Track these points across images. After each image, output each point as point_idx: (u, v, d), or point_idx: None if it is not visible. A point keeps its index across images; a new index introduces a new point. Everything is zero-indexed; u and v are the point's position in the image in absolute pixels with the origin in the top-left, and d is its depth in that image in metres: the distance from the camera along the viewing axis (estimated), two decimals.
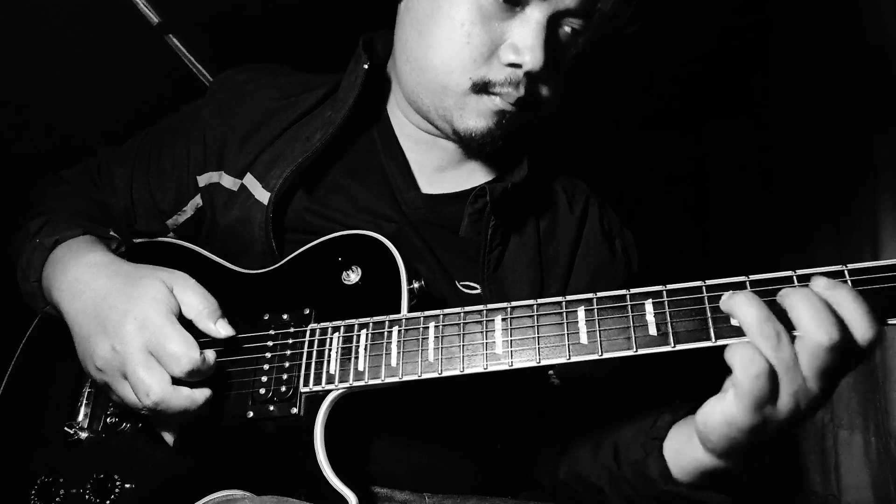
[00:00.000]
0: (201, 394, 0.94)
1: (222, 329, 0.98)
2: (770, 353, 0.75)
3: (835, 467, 1.92)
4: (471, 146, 1.10)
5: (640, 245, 1.25)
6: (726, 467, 0.84)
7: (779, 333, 0.75)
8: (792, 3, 2.03)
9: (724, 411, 0.78)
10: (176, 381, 0.92)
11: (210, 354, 0.95)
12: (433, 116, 1.11)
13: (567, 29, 1.05)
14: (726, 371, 0.78)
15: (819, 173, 2.02)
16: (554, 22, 1.03)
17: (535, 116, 1.10)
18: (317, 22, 1.67)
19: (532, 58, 1.00)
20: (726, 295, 0.79)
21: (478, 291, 1.12)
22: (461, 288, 1.12)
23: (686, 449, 0.89)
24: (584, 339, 0.87)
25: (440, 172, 1.19)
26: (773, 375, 0.75)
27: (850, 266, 0.81)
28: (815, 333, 0.74)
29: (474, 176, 1.20)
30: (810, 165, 2.05)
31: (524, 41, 1.00)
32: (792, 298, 0.76)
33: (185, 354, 0.92)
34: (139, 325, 0.92)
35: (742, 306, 0.76)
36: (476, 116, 1.06)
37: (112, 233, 1.13)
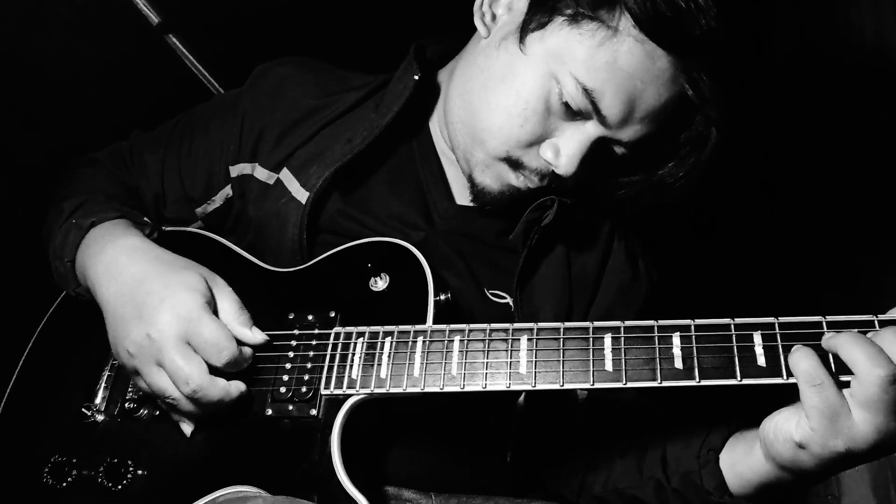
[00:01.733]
0: (236, 387, 0.95)
1: (258, 335, 0.99)
2: (878, 393, 0.74)
3: None
4: (478, 196, 1.13)
5: (664, 266, 1.26)
6: (786, 479, 0.85)
7: (894, 374, 0.74)
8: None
9: (796, 431, 0.79)
10: (212, 371, 0.93)
11: (248, 350, 0.97)
12: (458, 153, 1.15)
13: (613, 153, 1.08)
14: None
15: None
16: (603, 144, 1.06)
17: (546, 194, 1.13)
18: (317, 21, 1.67)
19: (567, 166, 1.05)
20: (829, 334, 0.79)
21: (506, 301, 1.13)
22: (489, 296, 1.13)
23: (745, 461, 0.90)
24: (609, 366, 0.88)
25: (477, 203, 1.20)
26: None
27: None
28: None
29: None
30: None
31: (566, 148, 1.04)
32: (887, 340, 0.76)
33: (226, 345, 0.93)
34: (176, 314, 0.93)
35: (850, 347, 0.76)
36: (494, 179, 1.11)
37: (146, 219, 1.13)
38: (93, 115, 1.48)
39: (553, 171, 1.06)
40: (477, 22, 1.12)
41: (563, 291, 1.15)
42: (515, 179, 1.09)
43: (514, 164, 1.08)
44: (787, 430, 0.81)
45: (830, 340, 0.79)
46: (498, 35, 1.09)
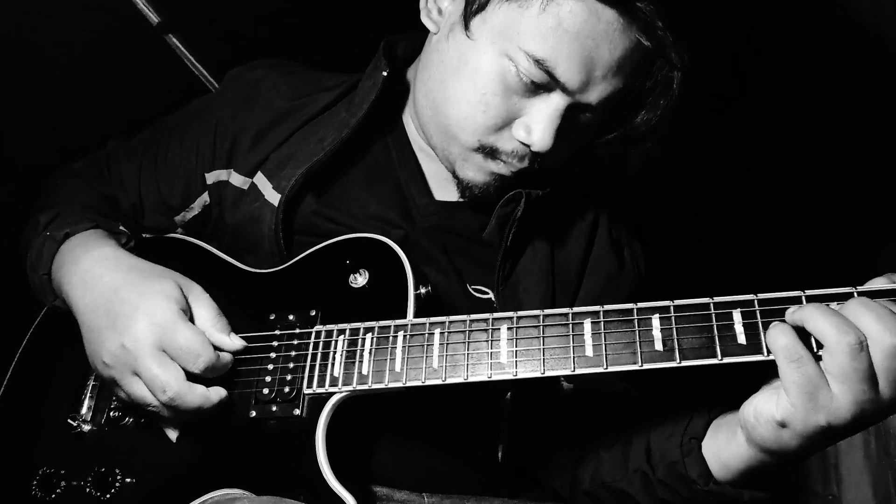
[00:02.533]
0: (216, 393, 0.95)
1: (236, 341, 0.99)
2: (848, 362, 0.73)
3: (835, 467, 1.91)
4: (465, 190, 1.12)
5: (651, 253, 1.24)
6: (770, 462, 0.84)
7: (861, 341, 0.73)
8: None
9: (777, 409, 0.78)
10: (190, 378, 0.93)
11: (225, 354, 0.97)
12: (438, 152, 1.14)
13: (584, 120, 1.06)
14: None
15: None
16: (572, 111, 1.04)
17: (533, 177, 1.11)
18: (318, 21, 1.67)
19: (541, 142, 1.02)
20: (792, 308, 0.78)
21: (488, 296, 1.12)
22: (472, 291, 1.12)
23: (728, 448, 0.89)
24: (589, 351, 0.87)
25: (453, 180, 1.19)
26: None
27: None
28: (884, 336, 0.73)
29: None
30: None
31: (537, 124, 1.02)
32: (852, 309, 0.75)
33: (202, 351, 0.92)
34: (150, 322, 0.92)
35: (816, 318, 0.75)
36: (476, 171, 1.09)
37: (122, 227, 1.13)
38: (93, 114, 1.47)
39: (531, 150, 1.04)
40: (424, 20, 1.11)
41: (547, 284, 1.14)
42: (496, 166, 1.08)
43: (490, 151, 1.07)
44: (767, 411, 0.80)
45: (795, 314, 0.78)
46: (446, 28, 1.08)
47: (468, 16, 1.04)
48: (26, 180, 1.34)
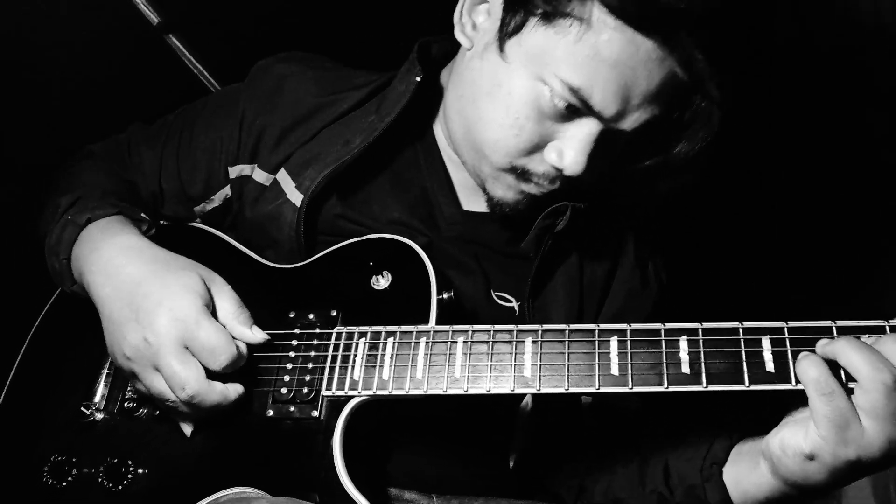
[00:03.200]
0: (234, 390, 0.94)
1: (258, 334, 0.97)
2: (881, 399, 0.73)
3: None
4: (495, 207, 1.11)
5: (674, 267, 1.24)
6: (791, 494, 0.84)
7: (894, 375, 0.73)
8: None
9: (805, 442, 0.78)
10: (209, 374, 0.92)
11: (244, 347, 0.95)
12: (468, 168, 1.12)
13: (618, 142, 1.04)
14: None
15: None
16: (606, 136, 1.02)
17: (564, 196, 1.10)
18: (317, 21, 1.65)
19: (573, 166, 1.01)
20: (824, 341, 0.78)
21: (511, 304, 1.11)
22: (495, 297, 1.11)
23: (750, 478, 0.89)
24: (615, 370, 0.86)
25: (482, 191, 1.18)
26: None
27: None
28: None
29: None
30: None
31: (570, 150, 1.00)
32: (888, 346, 0.75)
33: (225, 350, 0.91)
34: (173, 317, 0.91)
35: (849, 353, 0.75)
36: (505, 189, 1.08)
37: (143, 215, 1.11)
38: (93, 115, 1.46)
39: (562, 173, 1.03)
40: (458, 35, 1.08)
41: (574, 299, 1.13)
42: (527, 187, 1.07)
43: (522, 173, 1.05)
44: (794, 443, 0.80)
45: (827, 347, 0.77)
46: (480, 45, 1.06)
47: (503, 37, 1.01)
48: (26, 180, 1.33)
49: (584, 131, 1.00)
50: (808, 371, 0.76)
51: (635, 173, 1.11)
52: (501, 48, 1.02)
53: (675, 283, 1.24)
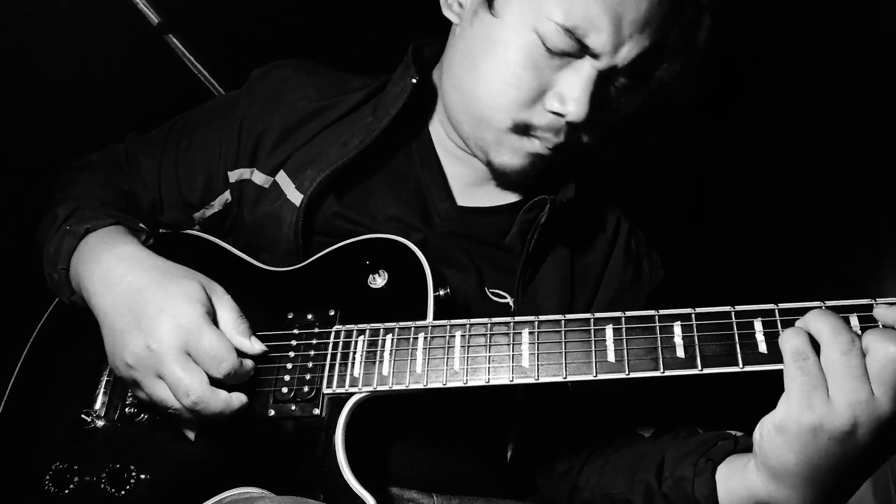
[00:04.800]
0: (238, 399, 0.95)
1: (257, 345, 0.98)
2: (839, 357, 0.74)
3: None
4: (503, 178, 1.12)
5: (667, 257, 1.26)
6: (777, 499, 0.82)
7: (853, 341, 0.75)
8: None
9: (776, 414, 0.78)
10: (212, 382, 0.93)
11: (248, 361, 0.96)
12: (470, 144, 1.13)
13: (617, 85, 1.06)
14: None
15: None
16: (604, 77, 1.03)
17: (570, 158, 1.11)
18: (318, 21, 1.67)
19: (576, 110, 1.01)
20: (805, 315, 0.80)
21: (506, 300, 1.12)
22: (489, 294, 1.12)
23: (736, 472, 0.89)
24: (611, 357, 0.88)
25: (476, 186, 1.20)
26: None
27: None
28: (882, 345, 0.73)
29: (510, 191, 1.21)
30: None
31: (571, 93, 1.02)
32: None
33: (227, 356, 0.92)
34: (176, 324, 0.92)
35: (817, 319, 0.77)
36: (512, 154, 1.09)
37: (141, 225, 1.12)
38: (93, 115, 1.47)
39: (566, 121, 1.04)
40: (446, 12, 1.11)
41: (565, 291, 1.14)
42: (532, 145, 1.07)
43: (524, 129, 1.06)
44: (769, 419, 0.79)
45: (800, 321, 0.79)
46: (469, 15, 1.09)
47: None
48: (26, 180, 1.33)
49: (582, 74, 1.01)
50: (789, 340, 0.77)
51: (638, 126, 1.12)
52: (491, 6, 1.04)
53: (669, 273, 1.25)
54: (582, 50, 1.00)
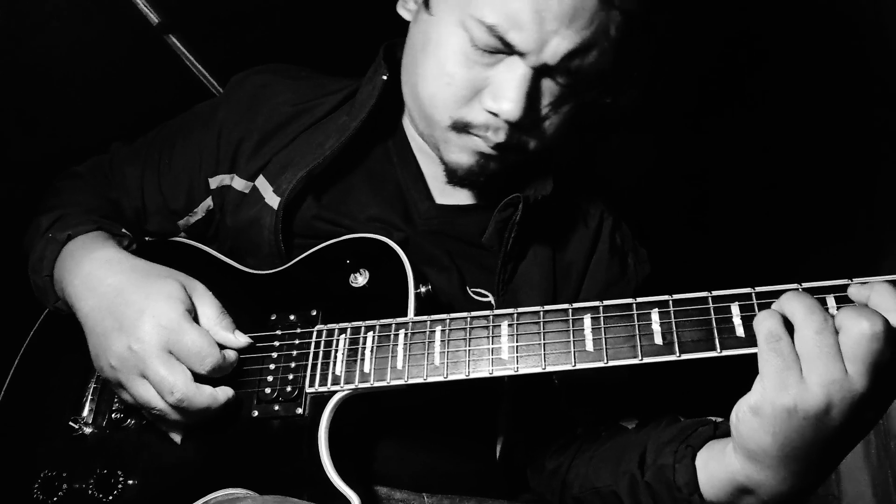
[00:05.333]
0: (223, 393, 0.95)
1: (241, 338, 0.99)
2: (812, 336, 0.74)
3: None
4: (455, 176, 1.11)
5: (652, 250, 1.25)
6: (755, 480, 0.81)
7: (826, 320, 0.74)
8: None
9: (751, 397, 0.77)
10: (197, 379, 0.93)
11: (230, 352, 0.97)
12: (427, 141, 1.14)
13: (560, 83, 1.03)
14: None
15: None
16: (541, 75, 1.01)
17: (523, 159, 1.09)
18: (318, 22, 1.68)
19: (510, 108, 0.99)
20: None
21: (488, 299, 1.12)
22: (471, 294, 1.12)
23: (715, 456, 0.88)
24: (589, 346, 0.88)
25: (454, 184, 1.20)
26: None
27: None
28: (855, 322, 0.72)
29: (489, 188, 1.21)
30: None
31: (504, 91, 0.99)
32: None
33: (209, 352, 0.93)
34: (157, 324, 0.92)
35: (791, 300, 0.77)
36: (458, 152, 1.07)
37: (123, 230, 1.13)
38: (93, 115, 1.48)
39: (503, 120, 1.01)
40: (400, 10, 1.12)
41: (547, 288, 1.14)
42: (473, 143, 1.06)
43: (463, 127, 1.05)
44: (744, 402, 0.78)
45: (775, 304, 0.79)
46: (415, 14, 1.09)
47: None
48: (26, 180, 1.34)
49: (516, 73, 0.99)
50: (763, 322, 0.77)
51: (590, 128, 1.10)
52: (427, 5, 1.04)
53: (657, 268, 1.25)
54: (508, 47, 0.98)
